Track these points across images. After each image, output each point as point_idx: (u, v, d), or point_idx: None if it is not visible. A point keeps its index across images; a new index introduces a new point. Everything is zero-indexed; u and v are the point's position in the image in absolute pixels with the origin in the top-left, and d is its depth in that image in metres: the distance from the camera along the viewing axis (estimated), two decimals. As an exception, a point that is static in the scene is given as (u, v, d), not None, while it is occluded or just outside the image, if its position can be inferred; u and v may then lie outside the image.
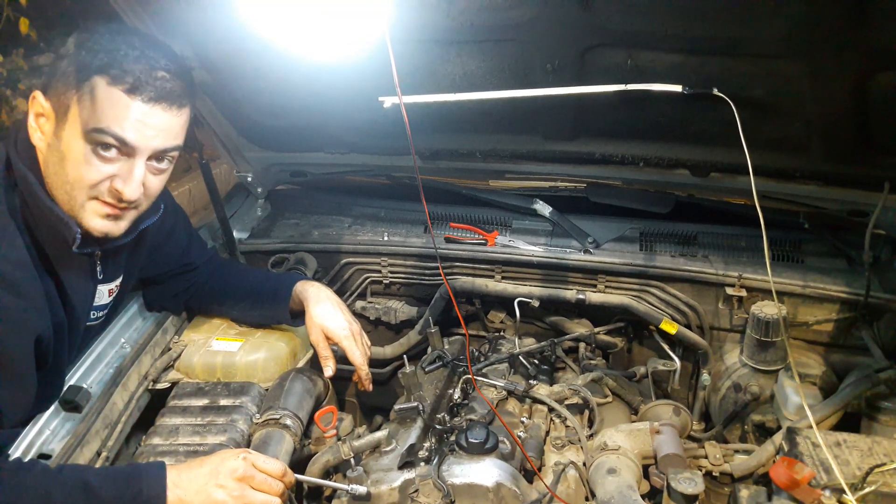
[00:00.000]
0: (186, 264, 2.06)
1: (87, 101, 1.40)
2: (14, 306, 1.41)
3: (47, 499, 1.38)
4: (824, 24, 1.64)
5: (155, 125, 1.44)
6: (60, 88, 1.41)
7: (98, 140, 1.41)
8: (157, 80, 1.42)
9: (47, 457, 1.71)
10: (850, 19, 1.61)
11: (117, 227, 1.52)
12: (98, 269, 1.68)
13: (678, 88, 1.85)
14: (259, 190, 2.72)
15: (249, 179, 2.67)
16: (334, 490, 1.68)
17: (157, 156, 1.49)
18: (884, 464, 1.50)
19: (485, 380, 2.03)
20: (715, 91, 1.82)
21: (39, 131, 1.46)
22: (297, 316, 2.03)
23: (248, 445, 1.78)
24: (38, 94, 1.44)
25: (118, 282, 1.80)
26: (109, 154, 1.43)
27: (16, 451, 1.66)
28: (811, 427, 1.64)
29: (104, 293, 1.76)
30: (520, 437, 1.83)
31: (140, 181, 1.47)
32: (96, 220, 1.48)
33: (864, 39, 1.64)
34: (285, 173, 2.72)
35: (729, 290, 2.19)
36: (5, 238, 1.43)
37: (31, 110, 1.45)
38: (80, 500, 1.40)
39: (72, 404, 1.80)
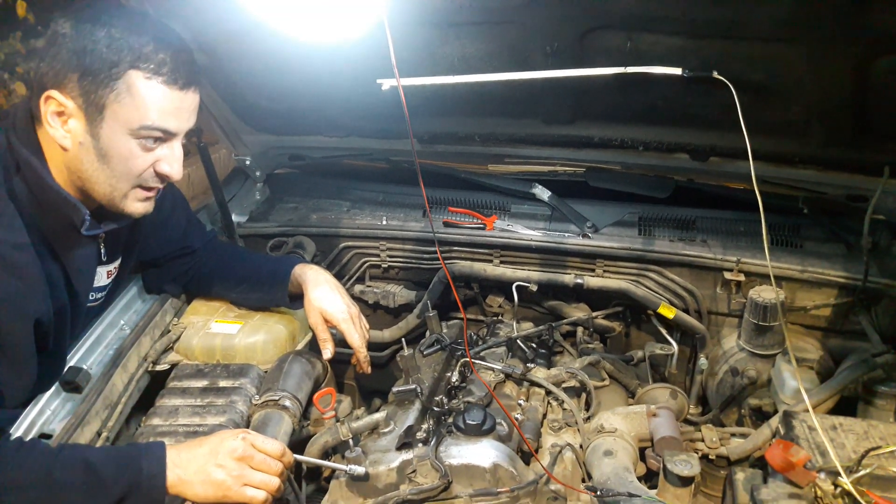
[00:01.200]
0: (185, 247, 2.06)
1: (126, 98, 1.42)
2: (13, 289, 1.41)
3: (48, 477, 1.39)
4: (825, 7, 1.63)
5: (188, 107, 1.51)
6: (88, 86, 1.41)
7: (146, 135, 1.46)
8: (183, 64, 1.47)
9: (48, 437, 1.72)
10: (850, 3, 1.60)
11: (152, 206, 1.60)
12: (102, 250, 1.69)
13: (678, 71, 1.84)
14: (258, 173, 2.72)
15: (248, 163, 2.67)
16: (333, 470, 1.70)
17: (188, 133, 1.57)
18: (879, 447, 1.51)
19: (482, 363, 2.04)
20: (715, 74, 1.81)
21: (62, 129, 1.45)
22: (296, 299, 2.03)
23: (247, 426, 1.79)
24: (54, 94, 1.42)
25: (117, 263, 1.80)
26: (154, 144, 1.49)
27: (17, 431, 1.67)
28: (807, 411, 1.65)
29: (103, 275, 1.76)
30: (517, 419, 1.84)
31: (182, 160, 1.55)
32: (137, 204, 1.56)
33: (865, 24, 1.63)
34: (284, 157, 2.72)
35: (727, 275, 2.19)
36: (4, 221, 1.43)
37: (46, 109, 1.43)
38: (80, 479, 1.41)
39: (72, 385, 1.80)
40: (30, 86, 1.47)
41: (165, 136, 1.49)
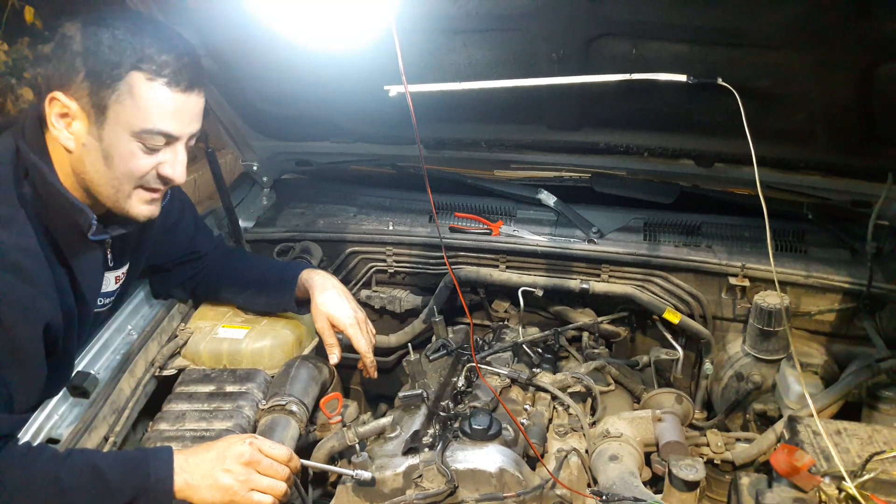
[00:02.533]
0: (193, 252, 2.07)
1: (128, 99, 1.43)
2: (25, 294, 1.42)
3: (56, 482, 1.40)
4: (829, 14, 1.64)
5: (191, 111, 1.51)
6: (91, 87, 1.42)
7: (148, 139, 1.47)
8: (186, 67, 1.47)
9: (56, 441, 1.72)
10: (854, 10, 1.61)
11: (157, 209, 1.60)
12: (109, 256, 1.70)
13: (683, 78, 1.85)
14: (265, 179, 2.73)
15: (255, 168, 2.68)
16: (339, 475, 1.70)
17: (193, 137, 1.56)
18: (883, 451, 1.51)
19: (488, 368, 2.04)
20: (719, 81, 1.83)
21: (66, 131, 1.46)
22: (303, 304, 2.04)
23: (254, 431, 1.80)
24: (58, 95, 1.43)
25: (125, 269, 1.82)
26: (156, 146, 1.49)
27: (25, 436, 1.67)
28: (812, 415, 1.65)
29: (111, 280, 1.77)
30: (523, 424, 1.84)
31: (185, 163, 1.54)
32: (141, 206, 1.56)
33: (869, 30, 1.64)
34: (291, 162, 2.73)
35: (732, 280, 2.19)
36: (16, 226, 1.44)
37: (50, 111, 1.45)
38: (88, 483, 1.42)
39: (80, 390, 1.81)
40: (37, 90, 1.48)
41: (168, 139, 1.50)
